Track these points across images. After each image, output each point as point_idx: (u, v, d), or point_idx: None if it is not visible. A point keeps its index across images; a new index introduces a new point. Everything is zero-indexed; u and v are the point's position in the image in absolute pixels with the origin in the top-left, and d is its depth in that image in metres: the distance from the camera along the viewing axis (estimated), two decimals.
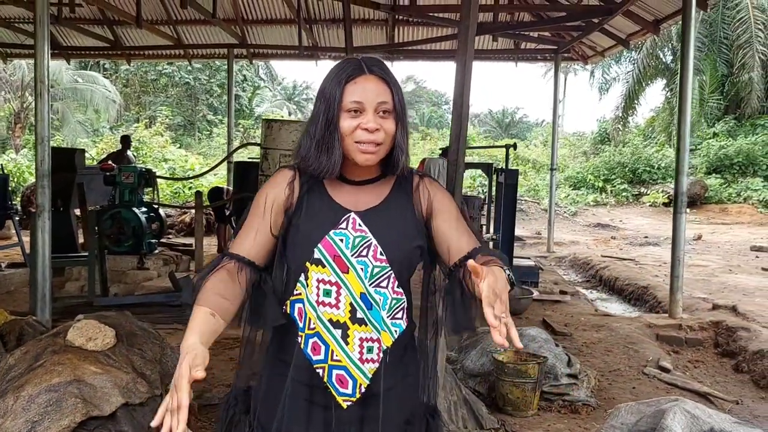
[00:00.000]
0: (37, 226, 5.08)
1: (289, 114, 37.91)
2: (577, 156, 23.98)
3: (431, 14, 9.11)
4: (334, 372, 1.57)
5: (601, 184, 19.75)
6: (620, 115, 21.75)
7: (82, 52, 12.42)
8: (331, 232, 1.56)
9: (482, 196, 11.44)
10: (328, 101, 1.53)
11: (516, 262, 7.78)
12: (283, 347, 1.63)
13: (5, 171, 8.49)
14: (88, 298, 6.32)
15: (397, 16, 10.13)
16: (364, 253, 1.55)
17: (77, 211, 8.09)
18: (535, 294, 6.86)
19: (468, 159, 18.98)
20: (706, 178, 18.21)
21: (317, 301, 1.56)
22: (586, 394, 4.33)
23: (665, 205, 17.44)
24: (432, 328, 1.86)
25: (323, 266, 1.54)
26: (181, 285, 6.44)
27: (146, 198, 8.23)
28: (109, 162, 9.15)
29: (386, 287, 1.57)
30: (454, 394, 3.71)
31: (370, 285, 1.55)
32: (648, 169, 19.80)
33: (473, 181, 18.06)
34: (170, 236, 11.95)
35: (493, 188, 9.32)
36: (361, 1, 8.51)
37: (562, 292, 7.66)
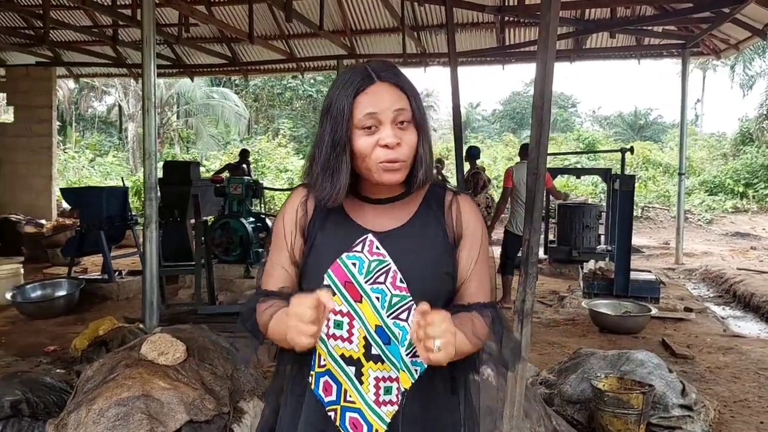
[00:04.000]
0: (146, 237, 5.21)
1: None
2: (716, 159, 22.18)
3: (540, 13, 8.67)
4: (348, 415, 1.39)
5: (741, 189, 18.13)
6: (765, 112, 19.88)
7: (203, 69, 13.02)
8: (343, 255, 1.37)
9: (601, 204, 10.78)
10: (335, 119, 1.34)
11: (633, 275, 7.19)
12: (299, 386, 1.47)
13: (125, 184, 9.01)
14: (194, 306, 6.51)
15: (505, 18, 9.77)
16: (380, 279, 1.36)
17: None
18: (654, 311, 6.27)
19: (590, 164, 18.13)
20: None
21: (327, 334, 1.38)
22: (703, 428, 3.83)
23: None
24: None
25: (333, 294, 1.35)
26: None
27: (254, 209, 8.43)
28: (222, 174, 9.50)
29: (406, 320, 1.36)
30: (542, 425, 3.38)
31: (387, 317, 1.36)
32: None
33: (595, 188, 17.18)
34: None
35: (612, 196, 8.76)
36: (465, 4, 8.26)
37: (687, 309, 6.97)
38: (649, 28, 9.52)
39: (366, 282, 1.36)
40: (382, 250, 1.38)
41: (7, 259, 9.57)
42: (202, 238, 6.69)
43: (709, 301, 8.23)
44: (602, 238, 9.73)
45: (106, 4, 9.42)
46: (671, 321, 6.59)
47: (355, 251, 1.38)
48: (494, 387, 3.34)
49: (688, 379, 4.53)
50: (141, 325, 5.09)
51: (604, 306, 6.41)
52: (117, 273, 7.92)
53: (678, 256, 10.68)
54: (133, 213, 8.32)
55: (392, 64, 1.42)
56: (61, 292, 7.05)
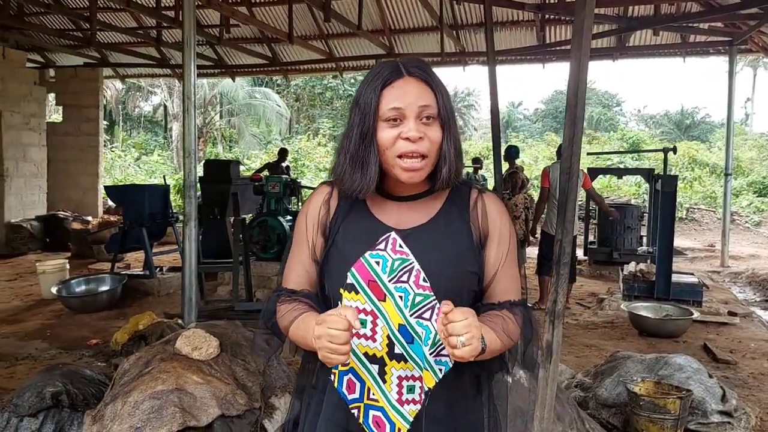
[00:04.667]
0: (185, 234, 5.29)
1: None
2: (766, 159, 21.51)
3: None
4: (371, 413, 1.39)
5: None
6: None
7: (244, 69, 13.19)
8: (367, 254, 1.37)
9: (644, 205, 10.55)
10: (363, 111, 1.35)
11: (675, 278, 7.02)
12: (321, 384, 1.48)
13: (166, 182, 9.18)
14: (231, 303, 6.60)
15: (546, 16, 9.65)
16: (404, 278, 1.35)
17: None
18: (696, 315, 6.12)
19: (635, 164, 17.74)
20: None
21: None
22: None
23: None
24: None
25: (357, 293, 1.37)
26: None
27: (292, 207, 8.50)
28: (262, 173, 9.60)
29: (430, 319, 1.36)
30: (575, 429, 3.33)
31: (411, 315, 1.35)
32: None
33: (638, 188, 16.84)
34: None
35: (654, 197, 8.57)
36: (504, 2, 8.18)
37: (731, 313, 6.78)
38: (695, 25, 9.28)
39: (389, 281, 1.36)
40: (406, 249, 1.37)
41: (54, 255, 9.90)
42: (241, 236, 6.78)
43: (755, 306, 7.98)
44: (644, 239, 9.52)
45: (150, 6, 9.64)
46: (714, 325, 6.42)
47: (379, 249, 1.38)
48: (526, 388, 3.31)
49: (729, 384, 4.41)
50: (180, 321, 5.17)
51: (645, 309, 6.28)
52: (158, 269, 8.08)
53: (723, 258, 10.40)
54: (175, 210, 8.46)
55: (424, 61, 1.42)
56: (104, 288, 7.22)
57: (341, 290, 1.38)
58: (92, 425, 3.12)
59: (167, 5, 9.63)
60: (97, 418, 3.12)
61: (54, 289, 6.99)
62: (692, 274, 7.88)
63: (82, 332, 6.15)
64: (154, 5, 9.37)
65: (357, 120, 1.36)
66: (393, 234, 1.39)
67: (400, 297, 1.35)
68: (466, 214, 1.43)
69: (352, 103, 1.41)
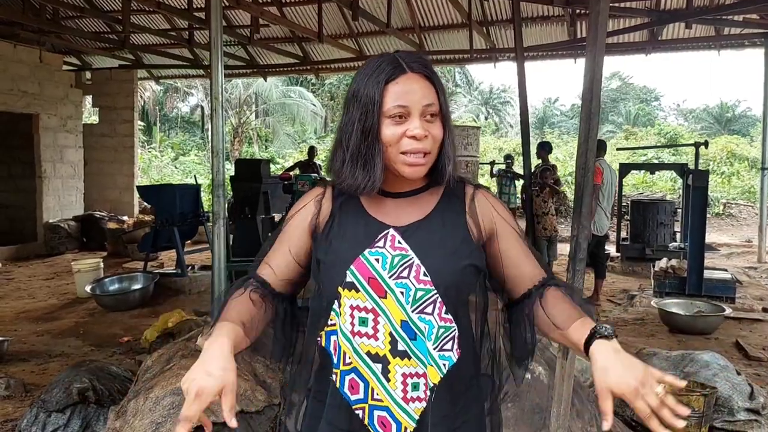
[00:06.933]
0: (214, 233, 5.37)
1: (485, 118, 37.81)
2: None
3: (614, 4, 8.40)
4: (376, 413, 1.37)
5: None
6: None
7: (275, 69, 13.29)
8: (366, 252, 1.36)
9: (677, 200, 10.35)
10: (364, 106, 1.32)
11: (708, 274, 6.89)
12: (320, 387, 1.46)
13: (197, 181, 9.30)
14: None
15: (576, 11, 9.52)
16: (404, 274, 1.34)
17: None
18: (728, 311, 6.00)
19: (672, 159, 17.37)
20: None
21: (352, 332, 1.36)
22: None
23: None
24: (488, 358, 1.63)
25: (357, 291, 1.35)
26: None
27: None
28: (292, 172, 9.67)
29: (432, 313, 1.34)
30: (595, 426, 3.30)
31: (412, 311, 1.34)
32: None
33: (674, 183, 16.50)
34: None
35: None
36: None
37: (765, 310, 6.63)
38: (729, 17, 9.05)
39: (390, 277, 1.34)
40: (405, 245, 1.36)
41: (90, 254, 10.15)
42: (270, 234, 6.84)
43: None
44: (678, 235, 9.35)
45: (182, 7, 9.79)
46: (747, 322, 6.28)
47: (378, 247, 1.36)
48: (545, 385, 3.29)
49: (761, 382, 4.32)
50: (209, 319, 5.26)
51: (675, 305, 6.18)
52: (190, 268, 8.20)
53: (760, 254, 10.13)
54: (206, 210, 8.58)
55: (422, 55, 1.41)
56: (137, 286, 7.36)
57: (340, 289, 1.36)
58: (115, 420, 3.19)
59: (198, 6, 9.77)
60: (120, 414, 3.20)
61: (88, 288, 7.15)
62: (725, 270, 7.71)
63: (114, 330, 6.28)
64: (186, 7, 9.52)
65: (357, 115, 1.33)
66: (391, 231, 1.37)
67: (401, 293, 1.33)
68: (463, 209, 1.42)
69: (348, 97, 1.38)
